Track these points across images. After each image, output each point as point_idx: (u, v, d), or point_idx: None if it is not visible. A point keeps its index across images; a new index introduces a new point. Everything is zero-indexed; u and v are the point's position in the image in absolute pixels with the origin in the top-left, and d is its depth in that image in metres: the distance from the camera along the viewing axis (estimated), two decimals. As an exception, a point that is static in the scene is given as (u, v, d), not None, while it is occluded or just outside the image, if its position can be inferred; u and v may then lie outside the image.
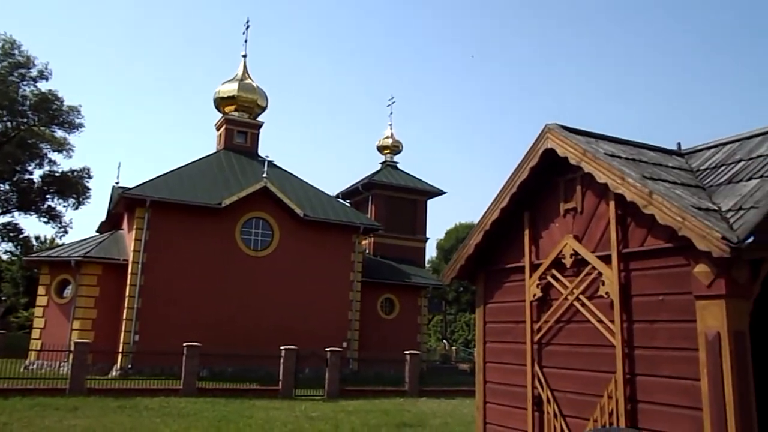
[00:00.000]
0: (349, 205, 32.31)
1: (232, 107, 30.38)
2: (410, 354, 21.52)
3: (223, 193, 25.19)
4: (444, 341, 51.98)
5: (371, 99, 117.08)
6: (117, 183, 26.44)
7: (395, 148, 35.85)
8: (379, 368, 25.73)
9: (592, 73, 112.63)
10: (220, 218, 24.88)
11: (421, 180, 34.57)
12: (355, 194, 34.27)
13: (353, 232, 27.42)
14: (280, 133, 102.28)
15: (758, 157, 5.74)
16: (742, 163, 5.86)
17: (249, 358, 21.93)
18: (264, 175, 26.07)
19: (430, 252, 67.17)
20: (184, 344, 18.71)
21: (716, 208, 5.13)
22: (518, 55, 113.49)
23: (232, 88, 30.51)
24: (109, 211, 27.87)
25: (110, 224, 29.09)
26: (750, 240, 4.43)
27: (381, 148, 35.97)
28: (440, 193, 34.46)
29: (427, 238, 34.35)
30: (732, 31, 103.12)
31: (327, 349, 20.27)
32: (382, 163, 35.59)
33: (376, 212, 32.25)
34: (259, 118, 31.31)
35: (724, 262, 4.58)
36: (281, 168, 29.81)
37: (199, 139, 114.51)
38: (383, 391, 20.24)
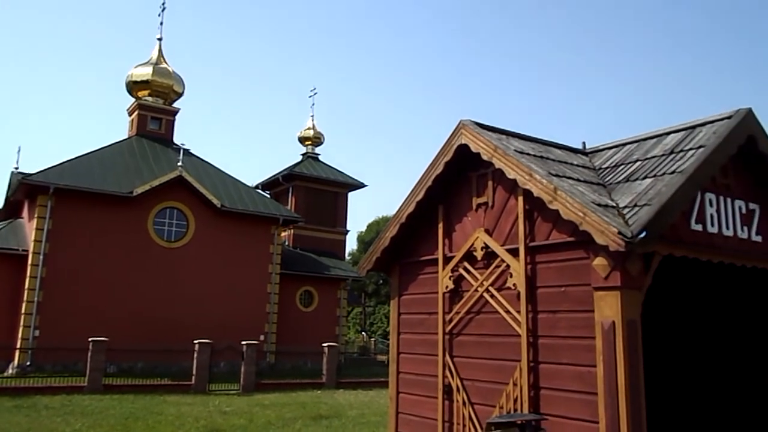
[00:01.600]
0: (268, 196, 31.84)
1: (146, 92, 29.19)
2: (328, 346, 21.55)
3: (135, 181, 24.19)
4: (363, 333, 52.34)
5: (293, 89, 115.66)
6: (16, 168, 24.79)
7: (317, 140, 35.64)
8: (296, 361, 25.63)
9: (506, 70, 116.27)
10: (132, 208, 23.89)
11: (342, 172, 34.57)
12: (275, 185, 33.82)
13: (272, 223, 27.07)
14: (198, 122, 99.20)
15: (653, 157, 6.13)
16: (638, 162, 6.24)
17: (160, 353, 21.27)
18: (179, 163, 25.26)
19: (351, 244, 67.34)
20: (90, 339, 17.87)
21: (614, 204, 5.43)
22: (439, 51, 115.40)
23: (146, 72, 29.31)
24: (7, 199, 26.10)
25: (8, 212, 27.27)
26: (642, 235, 4.73)
27: (302, 140, 35.67)
28: (361, 185, 34.59)
29: (348, 231, 34.44)
30: (638, 31, 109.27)
31: (243, 342, 19.95)
32: (303, 155, 35.31)
33: (296, 204, 31.98)
34: (175, 105, 30.26)
35: (619, 255, 4.87)
36: (198, 157, 28.98)
37: (110, 124, 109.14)
38: (300, 384, 20.18)
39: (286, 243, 31.16)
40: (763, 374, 6.62)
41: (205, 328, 22.70)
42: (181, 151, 26.28)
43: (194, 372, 18.61)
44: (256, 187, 32.90)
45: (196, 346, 18.88)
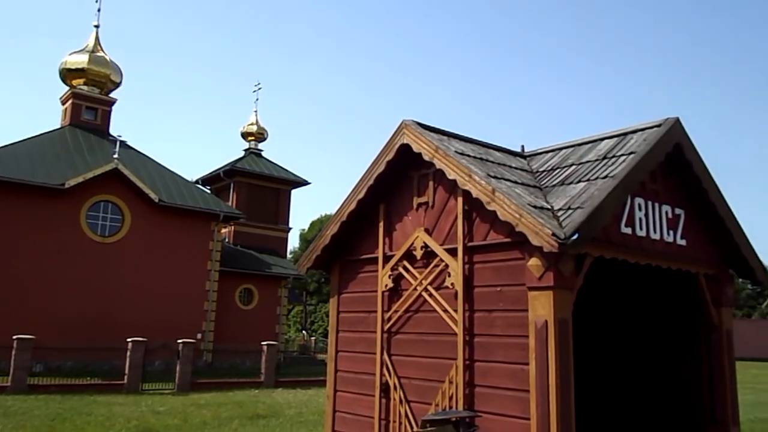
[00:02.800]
0: (209, 191, 31.20)
1: (81, 81, 28.08)
2: (267, 345, 21.29)
3: (67, 173, 23.23)
4: (303, 332, 51.99)
5: (237, 84, 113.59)
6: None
7: (260, 136, 35.15)
8: (235, 360, 25.22)
9: (448, 72, 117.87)
10: (63, 201, 22.93)
11: (285, 169, 34.21)
12: (216, 181, 33.15)
13: (212, 219, 26.53)
14: (136, 114, 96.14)
15: (587, 162, 6.34)
16: (573, 167, 6.44)
17: (92, 352, 20.53)
18: (115, 155, 24.40)
19: (293, 242, 66.84)
20: (14, 337, 17.04)
21: (549, 207, 5.59)
22: (381, 51, 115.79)
23: (81, 60, 28.19)
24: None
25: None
26: (575, 237, 4.88)
27: (245, 135, 35.10)
28: (304, 183, 34.33)
29: (290, 228, 34.12)
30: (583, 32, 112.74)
31: (179, 340, 19.46)
32: (245, 150, 34.74)
33: (237, 200, 31.44)
34: (112, 95, 29.23)
35: (553, 256, 5.01)
36: (135, 149, 28.08)
37: (42, 113, 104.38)
38: (238, 383, 19.86)
39: (227, 240, 30.59)
40: (688, 372, 6.94)
41: (140, 326, 22.02)
42: (118, 143, 25.39)
43: (127, 371, 18.02)
44: (196, 182, 32.15)
45: (129, 345, 18.30)
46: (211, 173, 33.10)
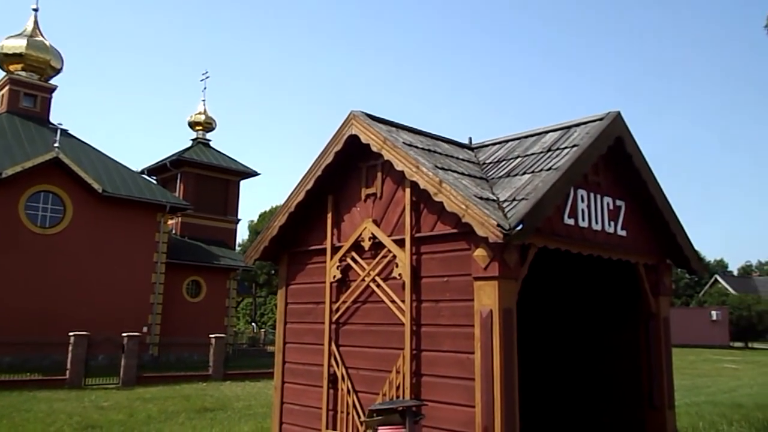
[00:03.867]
0: (155, 182, 30.37)
1: (19, 66, 26.88)
2: (215, 337, 20.95)
3: (4, 162, 22.23)
4: (253, 324, 51.44)
5: (184, 72, 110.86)
6: None
7: (208, 125, 34.40)
8: (182, 353, 24.74)
9: (400, 65, 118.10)
10: (1, 191, 21.93)
11: (234, 160, 33.62)
12: (162, 171, 32.30)
13: (158, 210, 25.86)
14: (78, 102, 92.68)
15: (532, 154, 6.46)
16: (519, 159, 6.55)
17: (31, 347, 19.78)
18: (55, 144, 23.47)
19: (242, 234, 65.87)
20: (-53, 333, 16.25)
21: (495, 198, 5.67)
22: (333, 41, 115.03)
23: (19, 45, 26.97)
24: None
25: None
26: (519, 227, 4.97)
27: (193, 125, 34.28)
28: (254, 174, 33.84)
29: (239, 220, 33.61)
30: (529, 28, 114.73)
31: (124, 334, 18.94)
32: (193, 140, 33.96)
33: (185, 191, 30.73)
34: (52, 82, 28.06)
35: (498, 246, 5.09)
36: (77, 138, 27.09)
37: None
38: (185, 377, 19.48)
39: (173, 231, 29.91)
40: (628, 359, 7.18)
41: (83, 320, 21.28)
42: (58, 132, 24.43)
43: (69, 366, 17.43)
44: (142, 172, 31.25)
45: (72, 339, 17.70)
46: (157, 163, 32.25)
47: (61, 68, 28.32)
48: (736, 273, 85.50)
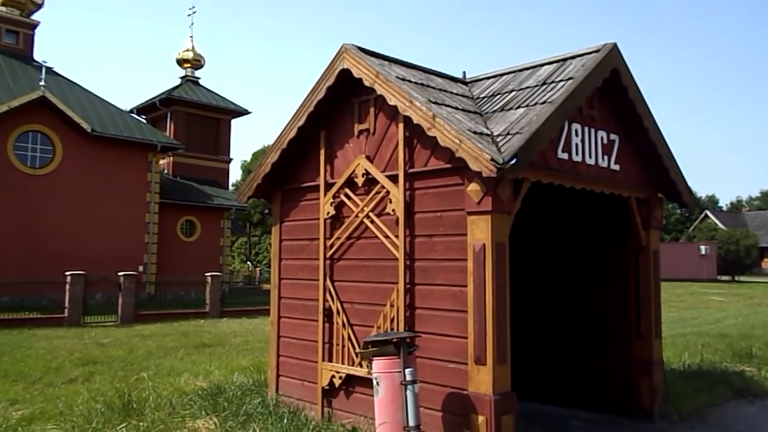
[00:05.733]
0: (145, 121, 29.96)
1: (-2, 0, 25.94)
2: (211, 276, 21.20)
3: (-12, 100, 21.77)
4: (248, 263, 51.96)
5: (170, 7, 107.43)
6: None
7: (197, 63, 33.62)
8: (178, 292, 25.06)
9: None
10: (-14, 130, 21.60)
11: (224, 98, 33.06)
12: (152, 110, 31.78)
13: (149, 150, 25.62)
14: (63, 40, 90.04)
15: (526, 88, 6.36)
16: (513, 93, 6.46)
17: (28, 286, 19.97)
18: (41, 82, 22.95)
19: (236, 174, 65.63)
20: (-57, 273, 16.35)
21: (489, 132, 5.62)
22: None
23: (-5, -23, 25.92)
24: None
25: None
26: (513, 162, 4.95)
27: (181, 62, 33.49)
28: (245, 112, 33.38)
29: (231, 159, 33.38)
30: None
31: (120, 273, 19.12)
32: (182, 78, 33.26)
33: (175, 130, 30.35)
34: (34, 17, 27.18)
35: (491, 181, 5.08)
36: (63, 76, 26.51)
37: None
38: (183, 314, 19.82)
39: (165, 171, 29.73)
40: (618, 290, 7.32)
41: (79, 260, 21.41)
42: (43, 69, 23.86)
43: (67, 304, 17.68)
44: (131, 111, 30.76)
45: (68, 278, 17.87)
46: (146, 102, 31.68)
47: (42, 3, 27.38)
48: (725, 208, 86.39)
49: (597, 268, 7.58)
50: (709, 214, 71.66)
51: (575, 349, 7.64)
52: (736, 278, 49.61)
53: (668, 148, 6.97)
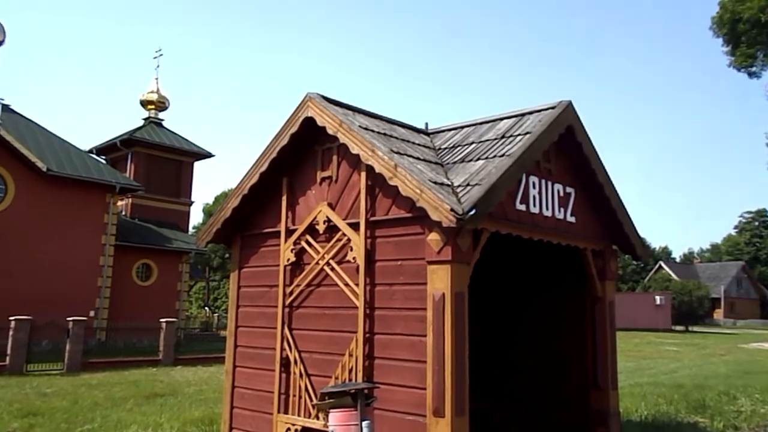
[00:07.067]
0: (105, 162, 29.47)
1: (-45, 36, 25.49)
2: (166, 322, 20.59)
3: (-61, 137, 21.14)
4: (206, 308, 50.75)
5: (136, 50, 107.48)
6: None
7: (161, 104, 33.48)
8: (131, 338, 24.24)
9: (357, 46, 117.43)
10: (-65, 167, 20.89)
11: (188, 140, 32.87)
12: (112, 151, 31.32)
13: (107, 191, 25.12)
14: (23, 77, 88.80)
15: (486, 141, 6.52)
16: (474, 145, 6.61)
17: (-31, 332, 18.95)
18: (-4, 120, 22.45)
19: (197, 217, 64.74)
20: None
21: (450, 183, 5.71)
22: (289, 20, 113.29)
23: (-45, 13, 25.53)
24: None
25: None
26: (472, 212, 5.03)
27: (145, 103, 33.30)
28: (208, 155, 33.19)
29: (192, 202, 32.97)
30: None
31: (69, 318, 18.41)
32: (145, 119, 33.01)
33: (135, 171, 29.90)
34: (-7, 54, 26.76)
35: (451, 231, 5.13)
36: (20, 114, 25.99)
37: None
38: (134, 362, 19.10)
39: (124, 213, 29.13)
40: (575, 341, 7.38)
41: (26, 304, 20.55)
42: (0, 107, 23.38)
43: (9, 351, 16.86)
44: (90, 151, 30.25)
45: (12, 323, 17.10)
46: (107, 142, 31.24)
47: (3, 40, 27.03)
48: (678, 260, 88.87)
49: (555, 318, 7.66)
50: (663, 265, 73.63)
51: (534, 399, 7.63)
52: (690, 328, 50.68)
53: (622, 203, 7.18)
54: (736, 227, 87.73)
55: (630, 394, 11.99)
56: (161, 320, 20.76)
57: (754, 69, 24.29)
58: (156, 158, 30.91)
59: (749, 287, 75.50)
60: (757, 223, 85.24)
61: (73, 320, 18.26)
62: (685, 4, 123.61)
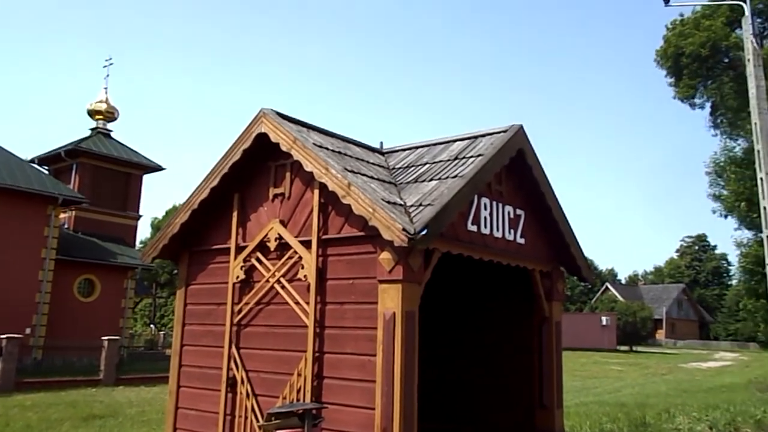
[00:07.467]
0: (47, 172, 28.43)
1: None
2: (108, 340, 19.86)
3: None
4: (152, 326, 49.29)
5: (85, 58, 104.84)
6: None
7: (110, 115, 32.55)
8: (70, 357, 23.26)
9: (315, 62, 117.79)
10: None
11: (137, 152, 32.05)
12: (56, 161, 30.21)
13: (49, 203, 24.17)
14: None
15: (440, 161, 6.60)
16: (427, 165, 6.67)
17: None
18: (-68, 126, 21.43)
19: (145, 231, 63.06)
20: None
21: (402, 203, 5.74)
22: (246, 33, 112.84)
23: None
24: None
25: None
26: (424, 232, 5.06)
27: (92, 113, 32.31)
28: (159, 168, 32.40)
29: (141, 216, 32.06)
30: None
31: (2, 336, 17.55)
32: (92, 130, 32.05)
33: (80, 183, 28.90)
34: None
35: (403, 250, 5.15)
36: (-42, 121, 24.87)
37: None
38: (72, 382, 18.29)
39: (66, 226, 28.10)
40: (523, 360, 7.47)
41: (-44, 320, 19.53)
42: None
43: (-63, 371, 15.94)
44: (32, 161, 29.14)
45: (-59, 341, 16.20)
46: (50, 152, 30.12)
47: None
48: (624, 281, 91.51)
49: (504, 338, 7.74)
50: (610, 286, 75.66)
51: (483, 419, 7.66)
52: (634, 348, 52.09)
53: (569, 226, 7.36)
54: (677, 251, 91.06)
55: (575, 413, 12.19)
56: (103, 338, 20.02)
57: (696, 100, 25.48)
58: (103, 170, 29.97)
59: (689, 309, 78.30)
60: (697, 248, 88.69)
61: (6, 338, 17.43)
62: (634, 36, 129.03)
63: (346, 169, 5.78)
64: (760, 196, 11.11)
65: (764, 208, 10.96)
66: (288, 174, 6.37)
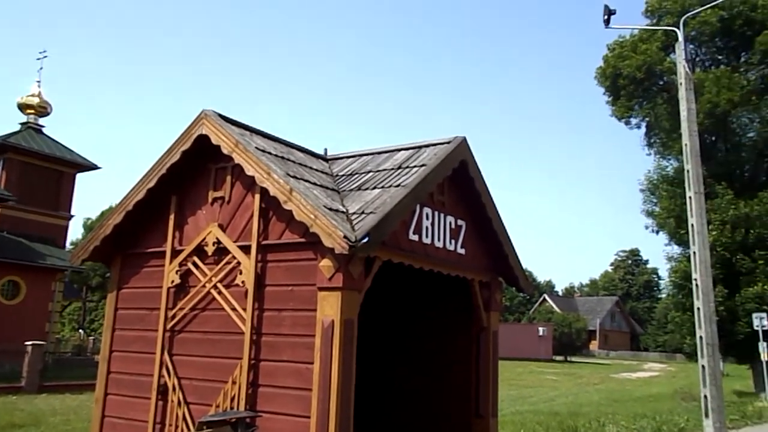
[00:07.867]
0: (-28, 167, 26.95)
1: None
2: (32, 345, 18.92)
3: None
4: (80, 331, 47.31)
5: (16, 51, 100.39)
6: None
7: (42, 110, 31.13)
8: (-9, 362, 22.02)
9: (261, 63, 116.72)
10: None
11: (70, 150, 30.77)
12: (-18, 156, 28.68)
13: (-27, 200, 22.92)
14: None
15: (383, 170, 6.61)
16: (371, 173, 6.67)
17: None
18: None
19: (77, 232, 60.65)
20: None
21: (345, 210, 5.71)
22: (187, 35, 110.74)
23: None
24: None
25: None
26: (365, 240, 5.04)
27: (23, 107, 30.84)
28: (93, 167, 31.18)
29: (72, 216, 30.76)
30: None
31: None
32: (22, 124, 30.59)
33: (7, 179, 27.50)
34: None
35: (344, 258, 5.11)
36: None
37: None
38: (-8, 389, 17.34)
39: (-9, 224, 26.67)
40: (461, 369, 7.53)
41: None
42: None
43: None
44: (-44, 155, 27.57)
45: None
46: (-24, 147, 28.60)
47: None
48: (561, 293, 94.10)
49: (443, 347, 7.79)
50: (547, 298, 77.62)
51: (421, 428, 7.67)
52: (569, 358, 53.55)
53: (508, 237, 7.49)
54: (611, 264, 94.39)
55: (511, 422, 12.40)
56: (27, 343, 19.06)
57: (632, 120, 26.51)
58: (32, 167, 28.61)
59: (621, 321, 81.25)
60: (630, 262, 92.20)
61: None
62: (578, 52, 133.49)
63: (288, 175, 5.71)
64: (689, 213, 11.63)
65: (692, 225, 11.46)
66: (229, 177, 6.24)
